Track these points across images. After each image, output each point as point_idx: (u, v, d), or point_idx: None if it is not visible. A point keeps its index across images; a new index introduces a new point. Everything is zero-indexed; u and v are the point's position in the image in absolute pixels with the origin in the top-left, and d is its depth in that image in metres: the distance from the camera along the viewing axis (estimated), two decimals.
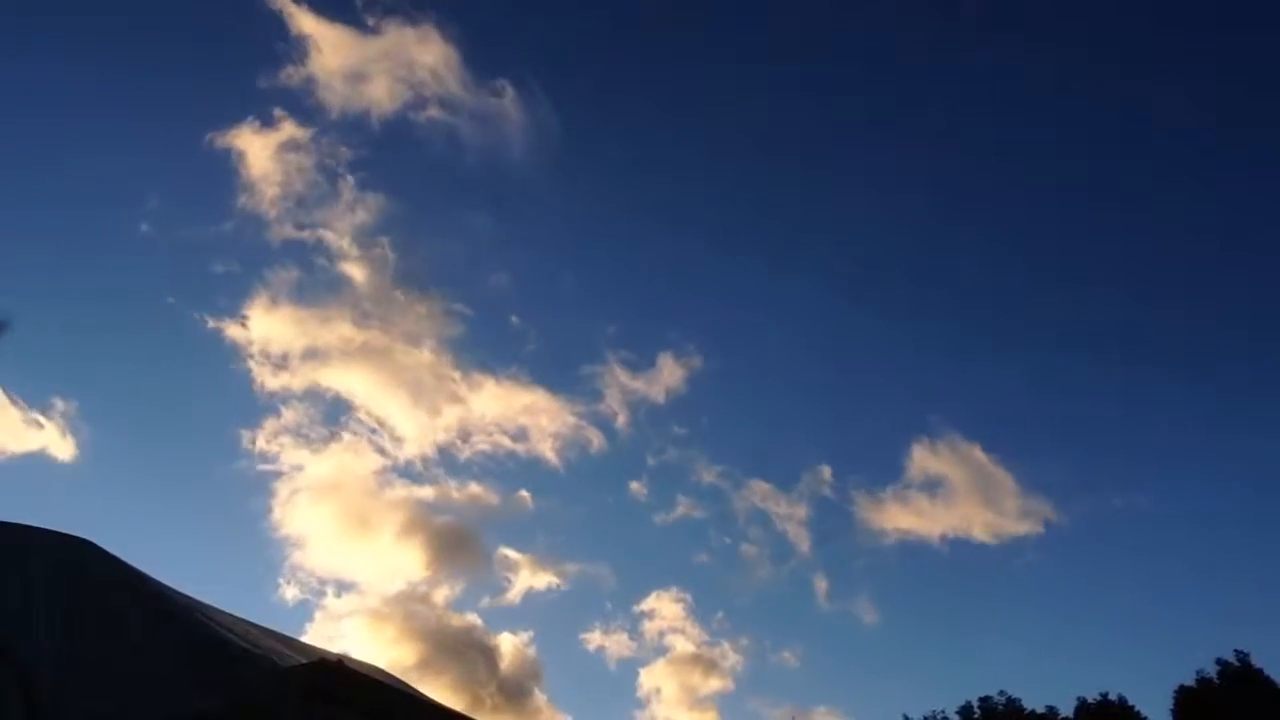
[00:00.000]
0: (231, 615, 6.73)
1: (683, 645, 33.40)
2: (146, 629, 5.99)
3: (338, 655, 6.59)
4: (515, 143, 33.71)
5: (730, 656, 34.71)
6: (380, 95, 32.93)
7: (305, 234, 33.08)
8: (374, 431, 32.97)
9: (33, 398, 29.80)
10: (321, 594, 30.55)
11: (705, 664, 33.00)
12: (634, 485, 37.62)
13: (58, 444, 29.46)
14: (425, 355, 34.23)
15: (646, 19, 36.15)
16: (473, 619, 32.23)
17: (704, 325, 38.19)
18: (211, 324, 32.37)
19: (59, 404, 29.78)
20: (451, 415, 34.01)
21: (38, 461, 29.33)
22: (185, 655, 5.88)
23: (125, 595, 6.12)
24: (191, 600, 6.72)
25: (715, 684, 33.17)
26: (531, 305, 38.51)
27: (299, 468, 31.50)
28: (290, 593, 30.48)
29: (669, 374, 35.14)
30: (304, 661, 5.92)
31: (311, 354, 32.21)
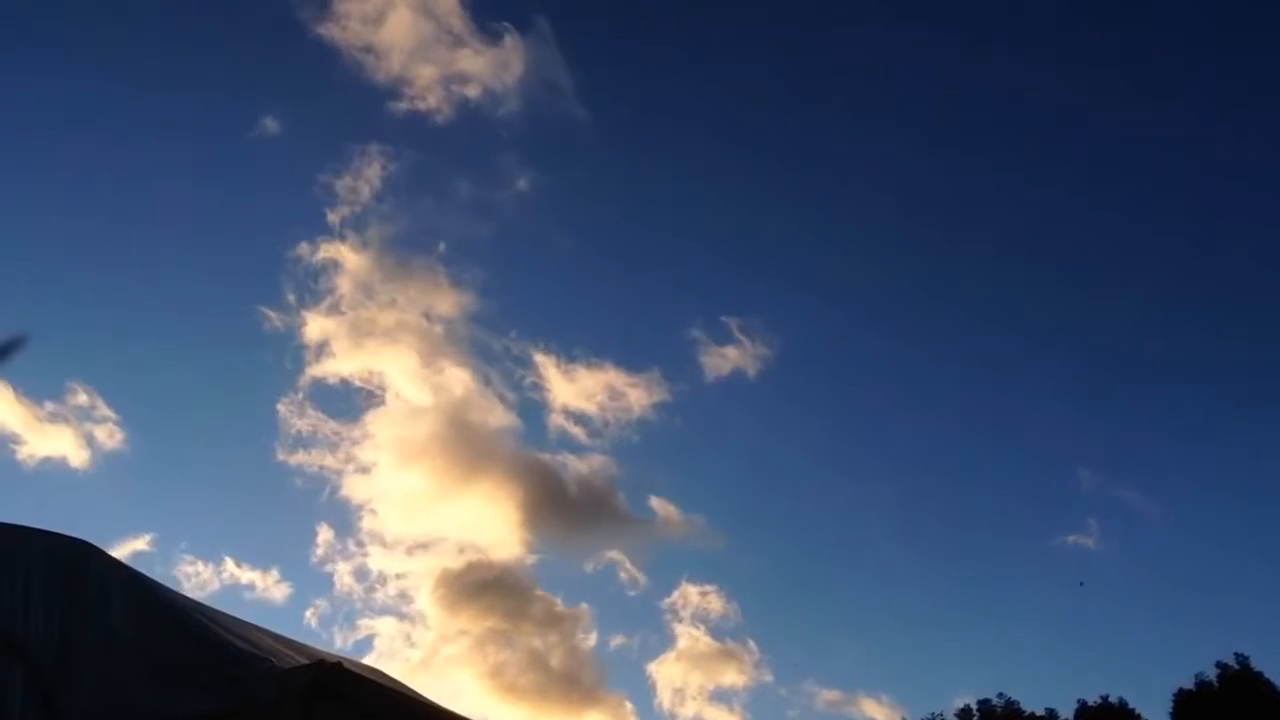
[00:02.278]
0: (231, 616, 6.72)
1: (705, 638, 33.47)
2: (145, 630, 5.97)
3: (337, 657, 6.57)
4: (546, 94, 33.02)
5: (754, 651, 34.72)
6: (395, 41, 32.45)
7: (327, 209, 32.96)
8: (431, 404, 32.73)
9: (66, 392, 29.64)
10: (391, 561, 30.55)
11: (728, 655, 33.07)
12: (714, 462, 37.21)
13: (100, 439, 29.46)
14: (475, 328, 33.95)
15: None
16: (547, 596, 32.42)
17: (781, 302, 37.60)
18: (253, 310, 32.22)
19: (83, 396, 29.70)
20: (522, 392, 33.77)
21: (59, 463, 29.27)
22: (184, 656, 5.86)
23: (123, 596, 6.10)
24: (191, 601, 6.71)
25: (738, 676, 33.19)
26: (590, 273, 37.99)
27: (364, 447, 31.59)
28: (355, 566, 30.50)
29: (744, 352, 34.59)
30: (304, 663, 5.89)
31: (352, 334, 32.07)
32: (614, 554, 35.74)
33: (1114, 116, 38.69)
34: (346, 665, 6.21)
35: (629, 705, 33.98)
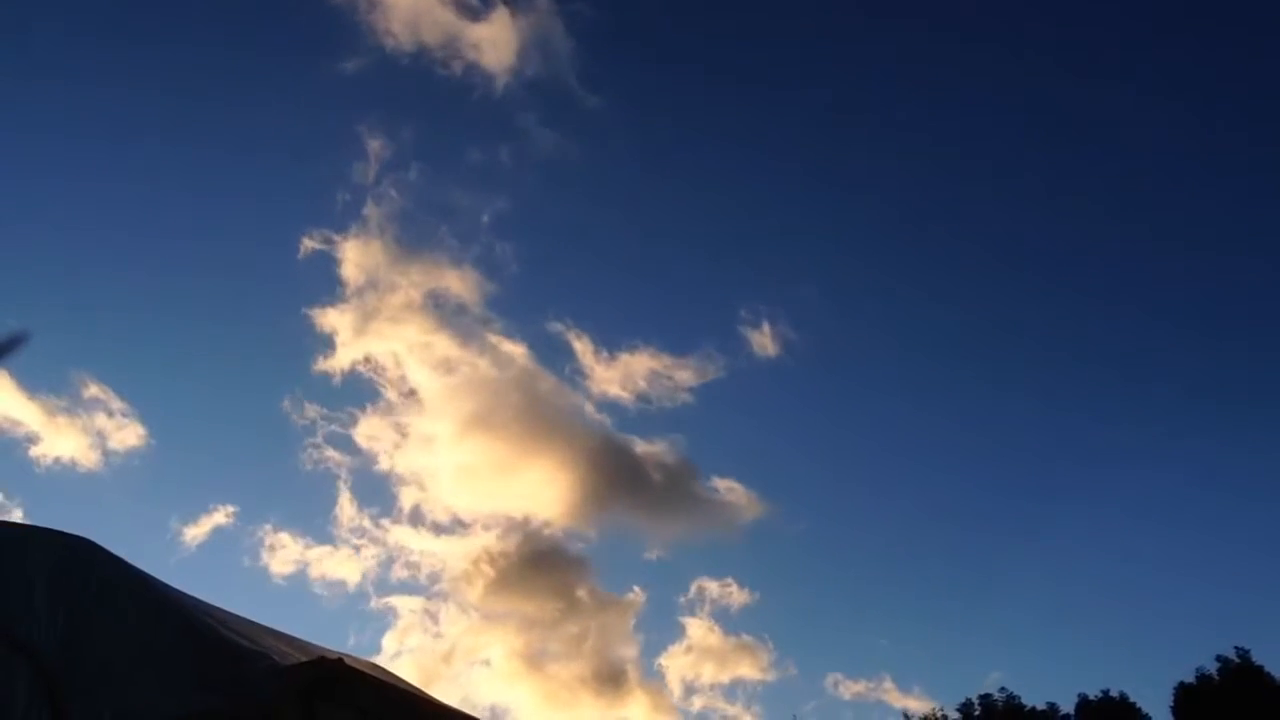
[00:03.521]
0: (232, 614, 6.79)
1: (713, 630, 33.53)
2: (147, 628, 6.03)
3: (338, 654, 6.63)
4: (560, 61, 32.49)
5: (768, 649, 34.71)
6: (401, 11, 32.09)
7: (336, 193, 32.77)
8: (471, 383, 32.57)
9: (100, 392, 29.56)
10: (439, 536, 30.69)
11: (745, 650, 33.12)
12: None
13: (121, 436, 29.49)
14: (502, 310, 33.74)
15: None
16: (591, 581, 32.53)
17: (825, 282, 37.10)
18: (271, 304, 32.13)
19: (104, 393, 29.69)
20: (566, 374, 33.62)
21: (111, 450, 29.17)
22: (186, 654, 5.93)
23: (126, 594, 6.17)
24: (193, 599, 6.77)
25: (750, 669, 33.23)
26: (612, 251, 37.46)
27: (398, 433, 31.61)
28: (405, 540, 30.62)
29: (774, 340, 34.20)
30: (304, 660, 5.96)
31: (369, 321, 32.03)
32: (656, 539, 35.66)
33: (1113, 120, 38.69)
34: (347, 662, 6.27)
35: (665, 691, 33.99)
